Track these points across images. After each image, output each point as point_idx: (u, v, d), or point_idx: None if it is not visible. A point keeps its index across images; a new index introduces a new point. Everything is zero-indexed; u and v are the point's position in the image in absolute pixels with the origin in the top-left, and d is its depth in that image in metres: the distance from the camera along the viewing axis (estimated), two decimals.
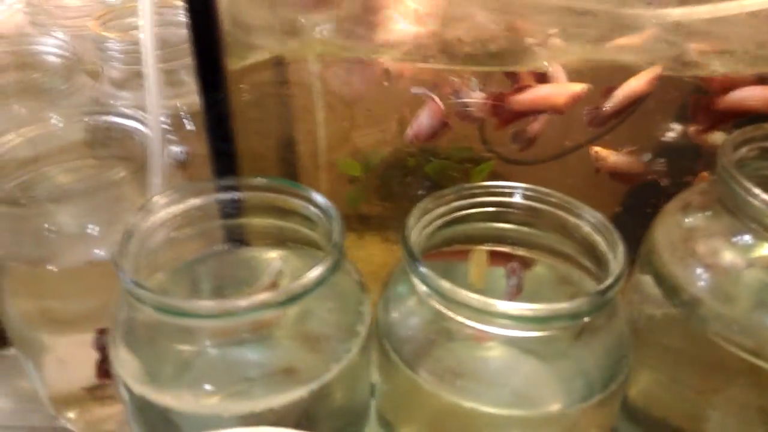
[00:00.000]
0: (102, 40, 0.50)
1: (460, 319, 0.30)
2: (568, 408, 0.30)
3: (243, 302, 0.28)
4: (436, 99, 0.41)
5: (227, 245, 0.38)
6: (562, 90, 0.38)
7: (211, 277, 0.39)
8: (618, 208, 0.43)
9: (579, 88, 0.38)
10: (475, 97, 0.41)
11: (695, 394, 0.33)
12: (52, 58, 0.56)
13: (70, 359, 0.42)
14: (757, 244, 0.30)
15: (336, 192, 0.50)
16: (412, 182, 0.49)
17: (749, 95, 0.36)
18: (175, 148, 0.46)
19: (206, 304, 0.28)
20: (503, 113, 0.40)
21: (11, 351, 0.50)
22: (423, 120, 0.42)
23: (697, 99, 0.39)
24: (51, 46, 0.56)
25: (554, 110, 0.39)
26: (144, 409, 0.31)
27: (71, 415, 0.45)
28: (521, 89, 0.39)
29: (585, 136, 0.45)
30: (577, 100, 0.38)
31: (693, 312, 0.31)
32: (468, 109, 0.41)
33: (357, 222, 0.54)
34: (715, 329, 0.30)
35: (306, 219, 0.36)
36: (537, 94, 0.39)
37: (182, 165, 0.46)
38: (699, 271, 0.31)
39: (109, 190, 0.39)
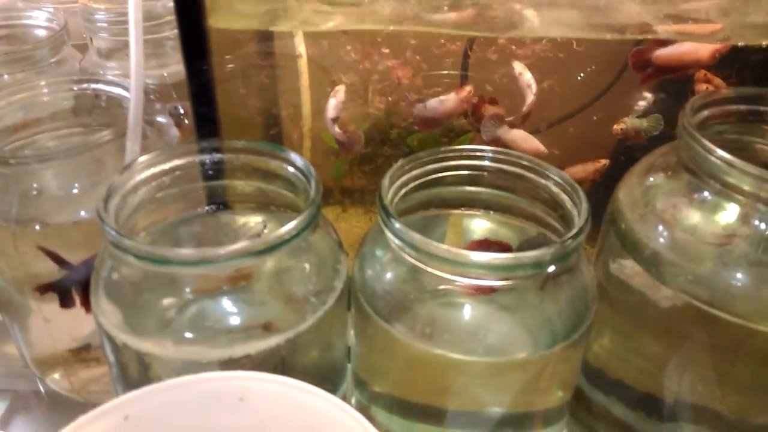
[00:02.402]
0: (90, 11, 0.51)
1: (431, 270, 0.31)
2: (532, 355, 0.31)
3: (222, 250, 0.29)
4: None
5: (209, 207, 0.39)
6: (706, 46, 0.39)
7: (193, 239, 0.40)
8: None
9: (721, 44, 0.39)
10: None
11: (654, 353, 0.34)
12: (41, 31, 0.57)
13: (54, 320, 0.43)
14: (716, 200, 0.31)
15: (320, 165, 0.51)
16: (394, 154, 0.51)
17: (690, 48, 0.39)
18: (174, 107, 0.47)
19: (186, 252, 0.30)
20: (647, 68, 0.40)
21: None
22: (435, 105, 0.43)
23: (639, 51, 0.40)
24: (40, 20, 0.57)
25: (699, 65, 0.40)
26: (125, 358, 0.32)
27: (56, 376, 0.46)
28: (663, 44, 0.40)
29: (564, 111, 0.47)
30: (719, 55, 0.39)
31: (653, 267, 0.32)
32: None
33: (341, 195, 0.55)
34: (675, 283, 0.32)
35: (287, 182, 0.37)
36: (683, 49, 0.39)
37: (180, 123, 0.47)
38: (659, 227, 0.32)
39: (94, 152, 0.40)
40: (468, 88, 0.43)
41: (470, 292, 0.32)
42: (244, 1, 0.40)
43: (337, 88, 0.44)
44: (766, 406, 0.33)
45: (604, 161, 0.43)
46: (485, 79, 0.45)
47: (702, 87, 0.39)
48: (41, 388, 0.48)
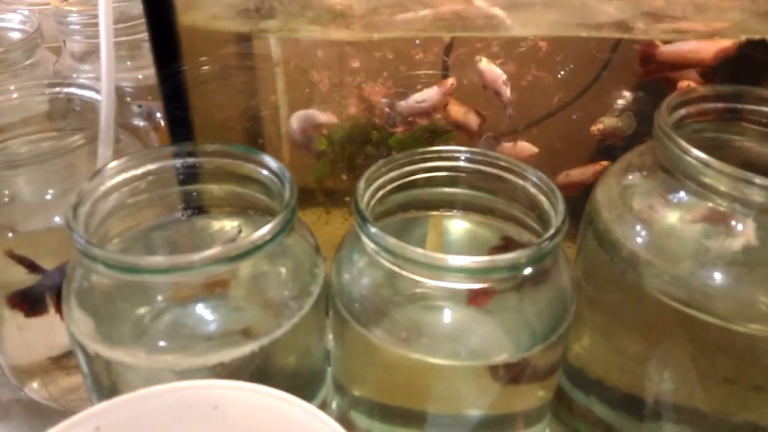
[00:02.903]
0: (63, 14, 0.50)
1: (407, 274, 0.31)
2: (511, 357, 0.31)
3: (195, 257, 0.29)
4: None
5: (184, 212, 0.39)
6: (710, 45, 0.39)
7: (167, 245, 0.39)
8: None
9: (727, 43, 0.38)
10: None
11: (634, 352, 0.34)
12: (15, 34, 0.56)
13: (28, 329, 0.42)
14: (692, 200, 0.31)
15: (301, 167, 0.51)
16: (375, 155, 0.50)
17: (694, 47, 0.38)
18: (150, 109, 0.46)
19: (157, 260, 0.29)
20: (651, 63, 0.40)
21: None
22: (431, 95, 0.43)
23: (646, 48, 0.40)
24: (14, 22, 0.56)
25: (701, 64, 0.39)
26: (98, 367, 0.32)
27: (34, 385, 0.46)
28: (668, 42, 0.39)
29: (544, 110, 0.47)
30: (724, 55, 0.39)
31: (631, 267, 0.32)
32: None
33: (323, 197, 0.54)
34: (652, 283, 0.31)
35: (262, 185, 0.36)
36: (686, 47, 0.39)
37: (156, 126, 0.47)
38: (636, 227, 0.32)
39: (66, 157, 0.39)
40: (450, 81, 0.43)
41: (470, 303, 0.32)
42: (217, 4, 0.39)
43: None
44: (745, 404, 0.33)
45: (604, 163, 0.43)
46: (465, 79, 0.45)
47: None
48: (22, 398, 0.48)
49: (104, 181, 0.34)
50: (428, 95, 0.43)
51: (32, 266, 0.40)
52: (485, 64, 0.41)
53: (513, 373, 0.31)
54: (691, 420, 0.35)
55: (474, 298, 0.31)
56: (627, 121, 0.40)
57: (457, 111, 0.44)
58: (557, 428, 0.41)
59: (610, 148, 0.42)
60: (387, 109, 0.44)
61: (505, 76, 0.41)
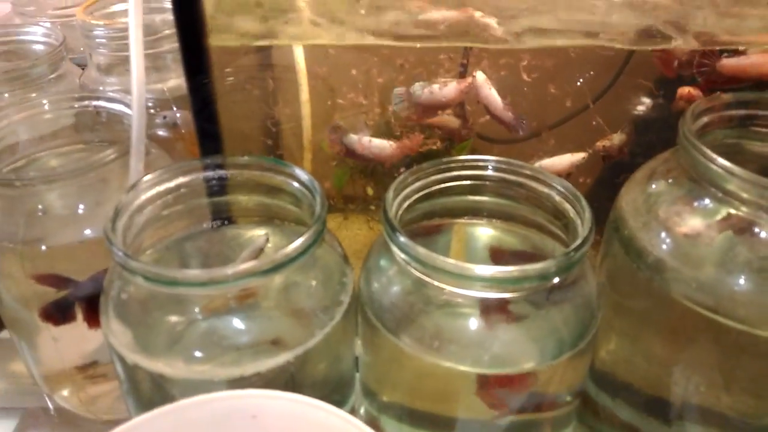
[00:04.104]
0: (89, 27, 0.51)
1: (437, 284, 0.31)
2: (539, 365, 0.31)
3: (230, 270, 0.30)
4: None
5: (215, 223, 0.40)
6: None
7: (198, 255, 0.40)
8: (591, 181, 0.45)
9: None
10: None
11: (660, 357, 0.35)
12: (39, 47, 0.57)
13: (62, 338, 0.43)
14: (717, 207, 0.32)
15: (320, 174, 0.51)
16: (396, 163, 0.51)
17: (756, 61, 0.39)
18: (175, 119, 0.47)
19: (194, 273, 0.30)
20: (711, 76, 0.40)
21: (4, 334, 0.51)
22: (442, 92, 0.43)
23: (702, 62, 0.40)
24: (38, 35, 0.57)
25: (763, 78, 0.40)
26: (137, 377, 0.33)
27: (64, 392, 0.47)
28: (730, 55, 0.40)
29: (559, 115, 0.47)
30: None
31: (657, 274, 0.32)
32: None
33: (342, 203, 0.55)
34: (679, 290, 0.32)
35: (291, 195, 0.37)
36: (747, 61, 0.40)
37: (181, 136, 0.48)
38: (662, 234, 0.32)
39: (98, 171, 0.40)
40: (469, 80, 0.43)
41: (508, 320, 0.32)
42: (243, 18, 0.40)
43: None
44: None
45: (582, 154, 0.44)
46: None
47: (680, 104, 0.40)
48: (50, 405, 0.49)
49: (139, 195, 0.35)
50: (448, 89, 0.44)
51: (60, 283, 0.41)
52: (482, 81, 0.42)
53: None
54: (717, 424, 0.35)
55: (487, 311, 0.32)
56: (626, 134, 0.41)
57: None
58: None
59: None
60: (402, 98, 0.44)
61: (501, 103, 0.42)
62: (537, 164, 0.44)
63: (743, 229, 0.31)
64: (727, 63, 0.40)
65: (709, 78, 0.40)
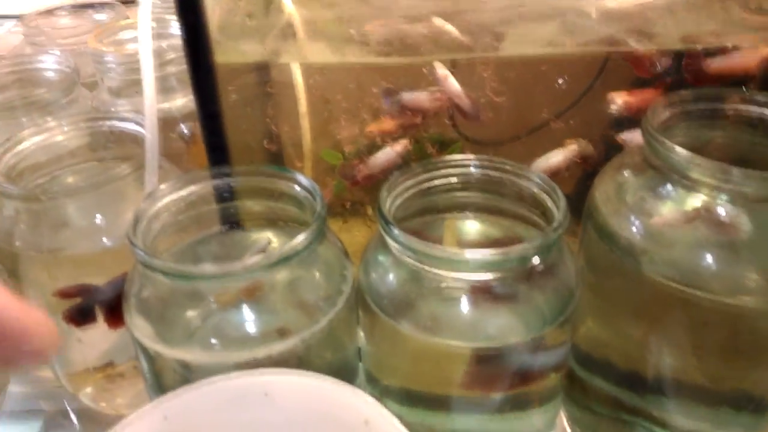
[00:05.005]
0: (100, 54, 0.55)
1: (428, 269, 0.35)
2: (523, 339, 0.35)
3: (241, 264, 0.33)
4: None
5: (224, 227, 0.43)
6: (754, 54, 0.42)
7: (209, 256, 0.44)
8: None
9: None
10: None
11: (634, 331, 0.38)
12: (51, 74, 0.61)
13: (87, 340, 0.46)
14: (678, 192, 0.35)
15: (320, 182, 0.55)
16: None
17: (735, 60, 0.42)
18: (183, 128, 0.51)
19: (210, 268, 0.33)
20: (698, 74, 0.42)
21: None
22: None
23: (689, 62, 0.43)
24: (50, 63, 0.61)
25: (747, 73, 0.42)
26: (158, 364, 0.36)
27: (88, 390, 0.50)
28: (713, 53, 0.42)
29: (544, 118, 0.50)
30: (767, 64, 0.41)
31: (628, 254, 0.36)
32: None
33: (341, 208, 0.58)
34: (648, 267, 0.35)
35: (294, 200, 0.40)
36: (731, 58, 0.42)
37: (188, 143, 0.51)
38: (631, 218, 0.36)
39: (115, 185, 0.43)
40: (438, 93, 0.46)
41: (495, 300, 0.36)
42: (246, 41, 0.43)
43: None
44: (739, 373, 0.36)
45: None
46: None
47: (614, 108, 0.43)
48: (68, 408, 0.52)
49: (156, 203, 0.38)
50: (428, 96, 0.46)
51: (81, 292, 0.44)
52: (442, 72, 0.44)
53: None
54: (690, 391, 0.38)
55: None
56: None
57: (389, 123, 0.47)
58: (572, 407, 0.44)
59: None
60: (387, 97, 0.47)
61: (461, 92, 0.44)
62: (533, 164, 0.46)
63: (705, 213, 0.34)
64: (713, 63, 0.42)
65: (697, 77, 0.43)
